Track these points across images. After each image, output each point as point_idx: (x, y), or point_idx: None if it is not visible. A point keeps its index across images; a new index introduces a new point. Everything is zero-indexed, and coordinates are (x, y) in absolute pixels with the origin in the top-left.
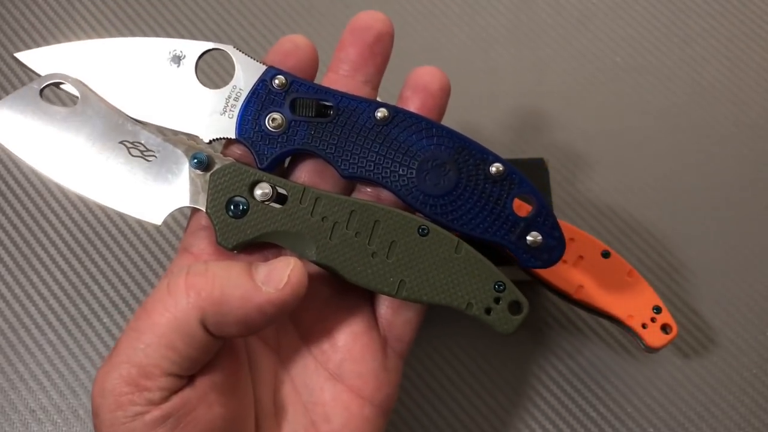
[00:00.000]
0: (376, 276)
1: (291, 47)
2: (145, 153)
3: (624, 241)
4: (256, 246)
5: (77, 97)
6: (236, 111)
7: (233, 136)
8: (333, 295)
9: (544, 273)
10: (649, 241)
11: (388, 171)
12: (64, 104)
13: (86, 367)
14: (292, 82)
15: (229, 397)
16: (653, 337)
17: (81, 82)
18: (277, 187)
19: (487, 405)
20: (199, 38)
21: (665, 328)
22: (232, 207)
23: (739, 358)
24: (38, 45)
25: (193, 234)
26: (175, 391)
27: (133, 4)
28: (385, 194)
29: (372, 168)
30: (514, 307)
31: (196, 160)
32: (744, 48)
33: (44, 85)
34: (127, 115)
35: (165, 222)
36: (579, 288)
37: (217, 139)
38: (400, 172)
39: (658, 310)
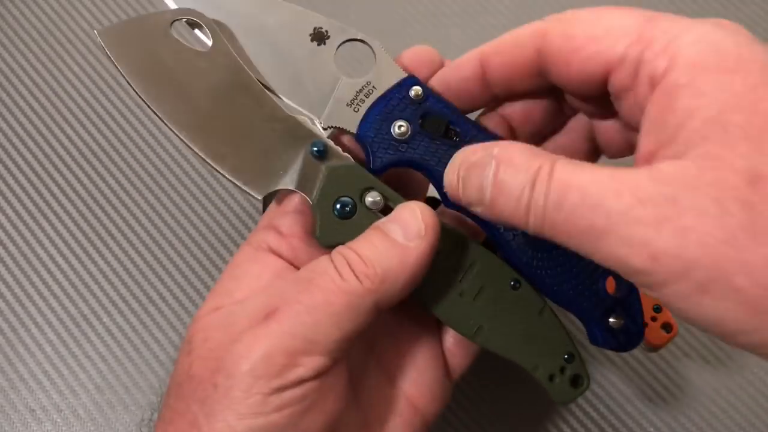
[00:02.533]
0: (459, 315)
1: (427, 58)
2: (265, 122)
3: None
4: None
5: (208, 42)
6: (364, 107)
7: (353, 131)
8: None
9: None
10: None
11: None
12: (192, 43)
13: (86, 367)
14: (428, 96)
15: (347, 393)
16: (654, 336)
17: (216, 29)
18: (388, 200)
19: (486, 404)
20: None
21: (666, 327)
22: (338, 206)
23: (739, 359)
24: (38, 45)
25: (286, 215)
26: (321, 374)
27: (132, 3)
28: (470, 221)
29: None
30: (576, 380)
31: (315, 149)
32: None
33: (177, 18)
34: (254, 77)
35: (166, 224)
36: None
37: (334, 127)
38: None
39: (658, 309)
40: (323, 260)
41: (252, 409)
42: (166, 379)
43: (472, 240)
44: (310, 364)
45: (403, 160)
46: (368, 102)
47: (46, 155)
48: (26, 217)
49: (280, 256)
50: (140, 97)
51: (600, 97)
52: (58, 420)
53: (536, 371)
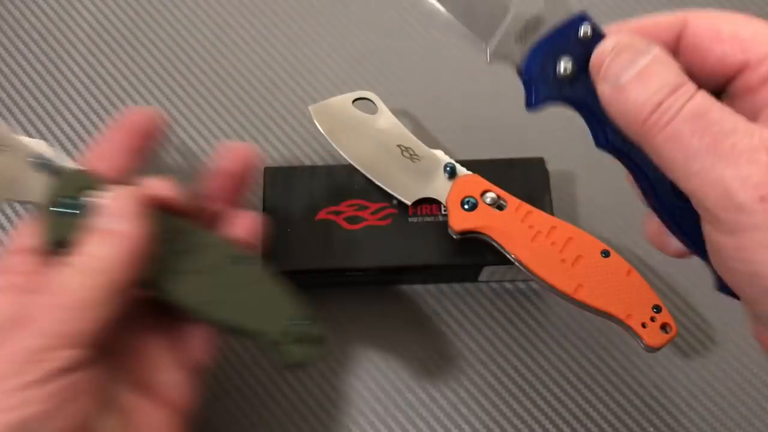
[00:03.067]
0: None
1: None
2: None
3: (624, 240)
4: None
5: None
6: (530, 42)
7: (518, 63)
8: (131, 313)
9: (544, 272)
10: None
11: (642, 159)
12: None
13: None
14: (595, 35)
15: (100, 397)
16: (653, 336)
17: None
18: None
19: (486, 404)
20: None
21: (665, 327)
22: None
23: (739, 358)
24: (38, 45)
25: (12, 256)
26: (74, 368)
27: (132, 3)
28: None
29: (628, 150)
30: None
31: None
32: None
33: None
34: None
35: None
36: (578, 287)
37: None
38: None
39: (657, 309)
40: (52, 269)
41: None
42: None
43: (194, 227)
44: (64, 356)
45: (565, 98)
46: (535, 36)
47: None
48: (26, 217)
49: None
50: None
51: (713, 91)
52: None
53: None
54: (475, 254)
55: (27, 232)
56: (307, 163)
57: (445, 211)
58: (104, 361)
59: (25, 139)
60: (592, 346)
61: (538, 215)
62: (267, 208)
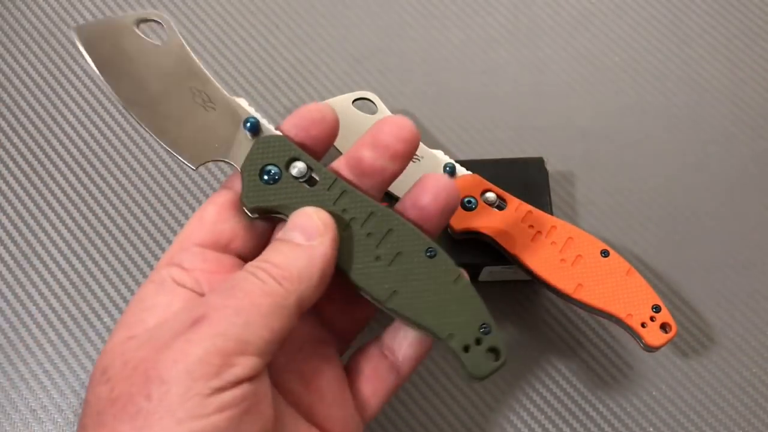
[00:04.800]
0: (374, 278)
1: (318, 117)
2: (206, 103)
3: (623, 240)
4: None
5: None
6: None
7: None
8: (307, 341)
9: (544, 272)
10: (648, 240)
11: None
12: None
13: (87, 367)
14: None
15: (275, 404)
16: (652, 336)
17: (173, 27)
18: (312, 171)
19: (486, 404)
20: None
21: (664, 327)
22: (265, 175)
23: (739, 358)
24: (38, 45)
25: (186, 251)
26: (254, 376)
27: (132, 3)
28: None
29: None
30: (493, 353)
31: (249, 124)
32: (743, 47)
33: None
34: (202, 67)
35: (167, 223)
36: (578, 287)
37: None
38: None
39: (657, 309)
40: (240, 273)
41: (191, 412)
42: None
43: (390, 209)
44: (246, 363)
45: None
46: None
47: (47, 155)
48: (26, 217)
49: (184, 287)
50: (105, 83)
51: None
52: (59, 420)
53: (451, 340)
54: (475, 254)
55: (193, 254)
56: None
57: None
58: (271, 375)
59: (233, 98)
60: (591, 346)
61: (538, 215)
62: None
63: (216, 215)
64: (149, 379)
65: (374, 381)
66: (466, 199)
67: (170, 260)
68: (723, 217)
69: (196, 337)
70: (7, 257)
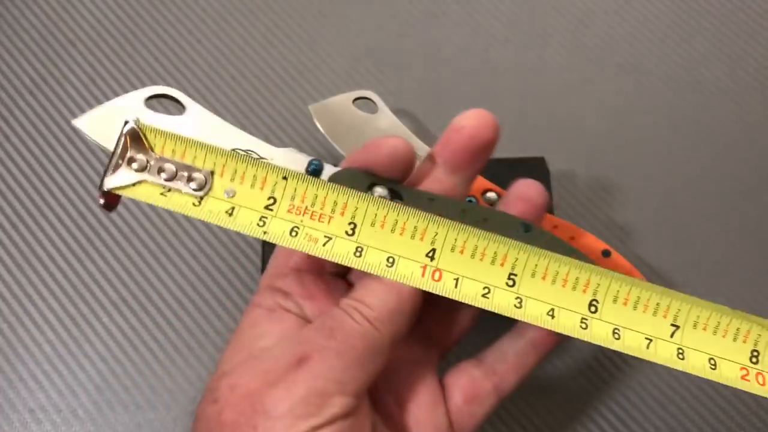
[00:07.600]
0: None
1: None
2: (261, 159)
3: (624, 239)
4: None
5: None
6: None
7: None
8: (403, 361)
9: None
10: (649, 240)
11: None
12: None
13: (85, 367)
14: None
15: None
16: None
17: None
18: (393, 189)
19: None
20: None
21: None
22: None
23: None
24: (38, 45)
25: (285, 276)
26: (351, 413)
27: (132, 3)
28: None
29: None
30: None
31: (312, 166)
32: (744, 47)
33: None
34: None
35: (166, 224)
36: None
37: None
38: None
39: None
40: (337, 311)
41: None
42: (166, 379)
43: (477, 204)
44: (342, 402)
45: None
46: None
47: (46, 155)
48: (26, 217)
49: (290, 312)
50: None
51: None
52: (58, 420)
53: None
54: None
55: (292, 280)
56: None
57: None
58: (366, 409)
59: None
60: (591, 345)
61: None
62: None
63: None
64: (256, 412)
65: (473, 404)
66: (467, 199)
67: (270, 285)
68: (724, 217)
69: (300, 378)
70: (6, 257)
